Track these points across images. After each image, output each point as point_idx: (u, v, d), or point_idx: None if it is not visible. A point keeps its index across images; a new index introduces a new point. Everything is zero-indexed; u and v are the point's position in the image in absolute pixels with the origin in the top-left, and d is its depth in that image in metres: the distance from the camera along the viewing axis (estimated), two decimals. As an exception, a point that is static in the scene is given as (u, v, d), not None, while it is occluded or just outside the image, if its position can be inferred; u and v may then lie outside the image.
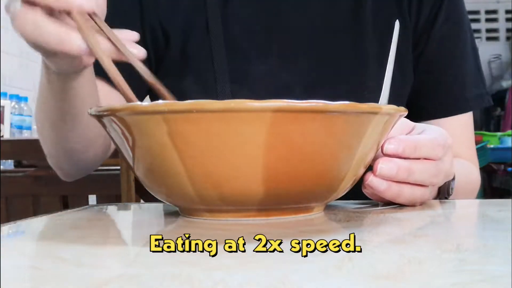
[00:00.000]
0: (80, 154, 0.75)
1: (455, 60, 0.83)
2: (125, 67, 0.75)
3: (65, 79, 0.60)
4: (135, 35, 0.54)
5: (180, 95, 0.54)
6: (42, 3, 0.49)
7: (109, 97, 0.77)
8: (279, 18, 0.81)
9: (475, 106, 0.84)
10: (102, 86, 0.77)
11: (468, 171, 0.79)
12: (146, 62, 0.79)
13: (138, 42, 0.78)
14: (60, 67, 0.58)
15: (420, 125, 0.57)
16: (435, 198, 0.62)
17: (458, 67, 0.84)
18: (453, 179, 0.62)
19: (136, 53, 0.53)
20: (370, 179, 0.51)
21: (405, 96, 0.82)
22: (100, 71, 0.77)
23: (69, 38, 0.49)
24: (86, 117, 0.67)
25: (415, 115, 0.59)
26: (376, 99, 0.57)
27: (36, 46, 0.51)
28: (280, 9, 0.81)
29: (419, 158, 0.53)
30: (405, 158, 0.52)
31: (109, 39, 0.51)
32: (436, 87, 0.83)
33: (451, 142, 0.57)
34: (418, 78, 0.83)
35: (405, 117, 0.55)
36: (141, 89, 0.80)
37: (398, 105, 0.49)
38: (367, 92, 0.77)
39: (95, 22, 0.51)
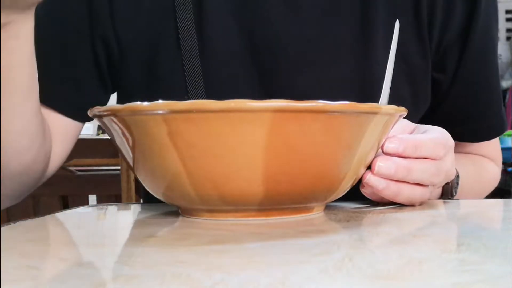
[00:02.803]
0: (14, 156, 0.60)
1: (491, 80, 0.77)
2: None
3: (12, 25, 0.52)
4: None
5: None
6: None
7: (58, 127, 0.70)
8: (263, 27, 0.70)
9: (506, 128, 0.79)
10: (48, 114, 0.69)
11: (480, 171, 0.78)
12: (100, 86, 0.72)
13: (87, 58, 0.70)
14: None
15: (421, 126, 0.57)
16: (439, 198, 0.61)
17: (494, 89, 0.78)
18: (458, 181, 0.61)
19: None
20: (368, 177, 0.51)
21: (417, 118, 0.74)
22: (48, 99, 0.67)
23: None
24: (24, 102, 0.58)
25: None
26: None
27: None
28: (264, 16, 0.70)
29: (420, 158, 0.53)
30: (405, 158, 0.52)
31: None
32: (472, 112, 0.77)
33: (453, 142, 0.57)
34: (450, 101, 0.76)
35: None
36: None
37: None
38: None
39: None
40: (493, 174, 0.83)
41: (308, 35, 0.70)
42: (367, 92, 0.69)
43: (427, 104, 0.75)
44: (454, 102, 0.76)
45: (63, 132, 0.72)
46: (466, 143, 0.80)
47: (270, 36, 0.70)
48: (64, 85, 0.72)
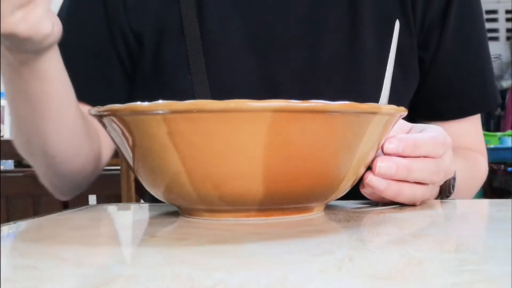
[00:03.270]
0: (65, 164, 0.69)
1: (473, 58, 0.80)
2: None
3: (31, 62, 0.58)
4: None
5: None
6: None
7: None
8: (261, 13, 0.76)
9: (493, 104, 0.83)
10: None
11: (473, 165, 0.79)
12: (122, 73, 0.77)
13: (108, 48, 0.76)
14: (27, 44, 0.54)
15: (418, 125, 0.57)
16: (437, 197, 0.61)
17: (477, 63, 0.81)
18: (454, 178, 0.62)
19: None
20: (369, 178, 0.51)
21: (408, 98, 0.79)
22: (84, 96, 0.72)
23: None
24: (62, 119, 0.64)
25: (430, 117, 0.57)
26: (374, 101, 0.56)
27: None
28: (262, 2, 0.76)
29: (419, 157, 0.53)
30: (405, 157, 0.52)
31: None
32: (452, 89, 0.80)
33: (451, 140, 0.57)
34: (432, 80, 0.80)
35: (418, 117, 0.54)
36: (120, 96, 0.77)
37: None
38: (365, 94, 0.74)
39: None
40: (484, 168, 0.84)
41: (302, 17, 0.76)
42: (357, 66, 0.75)
43: (416, 82, 0.79)
44: (437, 76, 0.79)
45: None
46: (451, 131, 0.80)
47: (267, 18, 0.75)
48: (99, 84, 0.77)
